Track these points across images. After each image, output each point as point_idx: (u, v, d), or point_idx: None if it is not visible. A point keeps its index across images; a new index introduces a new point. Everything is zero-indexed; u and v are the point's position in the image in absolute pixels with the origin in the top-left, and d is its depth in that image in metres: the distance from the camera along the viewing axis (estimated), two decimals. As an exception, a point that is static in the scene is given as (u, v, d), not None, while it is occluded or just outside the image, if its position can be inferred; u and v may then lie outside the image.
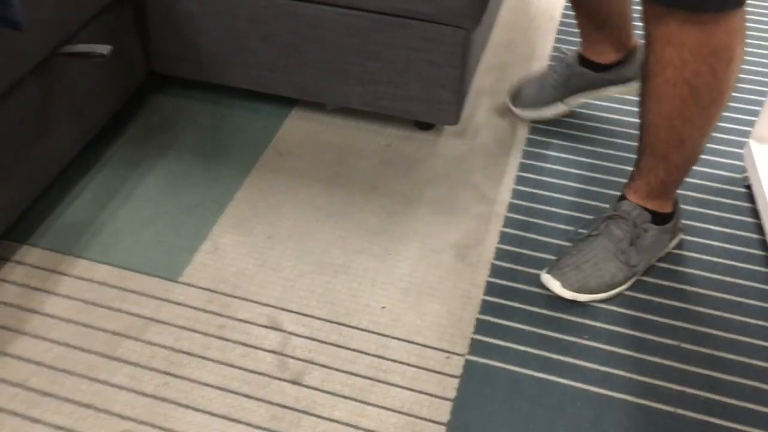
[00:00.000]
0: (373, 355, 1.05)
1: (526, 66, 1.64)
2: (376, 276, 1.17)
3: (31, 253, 1.17)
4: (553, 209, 1.29)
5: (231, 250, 1.19)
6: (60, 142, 1.19)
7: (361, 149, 1.39)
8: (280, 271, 1.17)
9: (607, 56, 1.39)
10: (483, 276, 1.17)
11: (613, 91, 1.45)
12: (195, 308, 1.10)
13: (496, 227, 1.25)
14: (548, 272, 1.14)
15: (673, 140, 1.04)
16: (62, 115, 1.18)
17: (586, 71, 1.41)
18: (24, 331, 1.06)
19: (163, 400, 0.98)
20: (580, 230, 1.20)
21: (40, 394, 0.98)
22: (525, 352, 1.06)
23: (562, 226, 1.26)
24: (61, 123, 1.18)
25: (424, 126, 1.45)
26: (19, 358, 1.03)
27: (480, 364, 1.04)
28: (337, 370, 1.03)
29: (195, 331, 1.07)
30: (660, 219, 1.15)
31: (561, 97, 1.44)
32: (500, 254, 1.20)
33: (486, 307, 1.12)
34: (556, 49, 1.69)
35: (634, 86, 1.39)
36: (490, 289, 1.15)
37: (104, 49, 1.13)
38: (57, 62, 1.13)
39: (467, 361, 1.05)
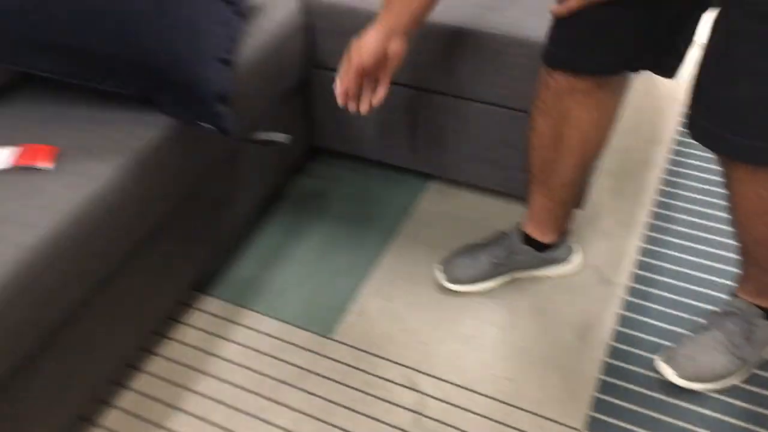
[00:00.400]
0: (500, 422, 1.19)
1: (650, 150, 1.74)
2: (502, 347, 1.31)
3: (211, 303, 1.39)
4: (671, 296, 1.39)
5: (375, 313, 1.37)
6: (237, 209, 1.41)
7: (493, 225, 1.54)
8: (418, 336, 1.33)
9: (550, 236, 1.38)
10: (600, 356, 1.29)
11: (550, 272, 1.44)
12: (345, 364, 1.28)
13: (615, 309, 1.37)
14: (663, 359, 1.23)
15: None
16: (242, 187, 1.40)
17: (528, 249, 1.39)
18: (206, 371, 1.27)
19: (319, 444, 1.17)
20: (697, 320, 1.29)
21: (220, 428, 1.19)
22: (638, 432, 1.17)
23: (679, 314, 1.35)
24: (240, 193, 1.40)
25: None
26: (203, 395, 1.24)
27: (596, 439, 1.17)
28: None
29: (345, 385, 1.25)
30: None
31: (498, 274, 1.41)
32: (618, 336, 1.32)
33: (603, 387, 1.24)
34: (679, 132, 1.78)
35: (568, 267, 1.44)
36: (608, 369, 1.26)
37: (284, 138, 1.34)
38: (242, 146, 1.35)
39: (584, 436, 1.17)
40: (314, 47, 1.47)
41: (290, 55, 1.40)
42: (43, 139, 1.07)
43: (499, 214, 1.57)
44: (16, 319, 0.92)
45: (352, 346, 1.31)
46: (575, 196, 1.33)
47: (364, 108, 1.12)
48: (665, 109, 1.87)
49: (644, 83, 1.96)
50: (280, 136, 1.34)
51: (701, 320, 1.28)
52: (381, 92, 1.11)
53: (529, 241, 1.38)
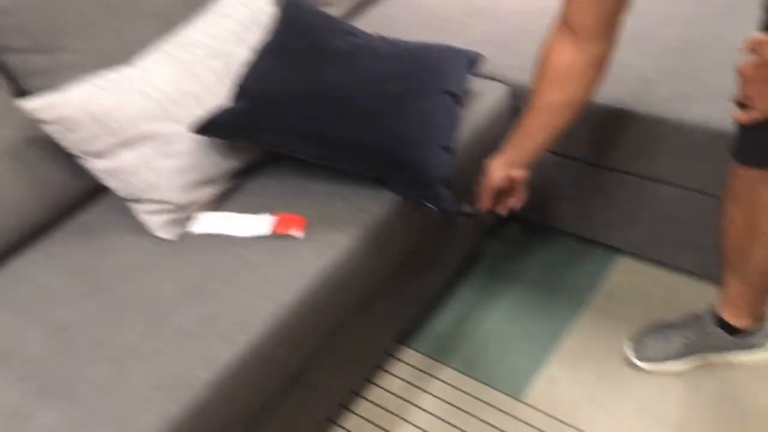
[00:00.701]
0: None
1: None
2: (686, 429, 1.33)
3: (412, 356, 1.54)
4: None
5: (564, 382, 1.45)
6: (441, 270, 1.56)
7: (684, 305, 1.56)
8: (605, 408, 1.39)
9: (745, 320, 1.38)
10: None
11: (744, 358, 1.42)
12: (534, 427, 1.37)
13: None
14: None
15: None
16: (446, 250, 1.55)
17: (721, 332, 1.39)
18: (406, 419, 1.41)
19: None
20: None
21: (418, 473, 1.32)
22: None
23: None
24: (444, 255, 1.55)
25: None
26: (404, 440, 1.38)
27: None
28: None
29: (534, 447, 1.34)
30: None
31: (689, 354, 1.43)
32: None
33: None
34: None
35: (764, 354, 1.41)
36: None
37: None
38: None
39: None
40: (518, 127, 1.60)
41: (500, 136, 1.53)
42: (291, 209, 1.27)
43: (690, 294, 1.59)
44: (273, 362, 1.11)
45: (541, 411, 1.40)
46: None
47: (503, 210, 1.32)
48: None
49: None
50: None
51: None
52: (514, 202, 1.30)
53: (722, 324, 1.39)
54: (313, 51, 1.32)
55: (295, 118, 1.22)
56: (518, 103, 1.55)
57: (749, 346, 1.42)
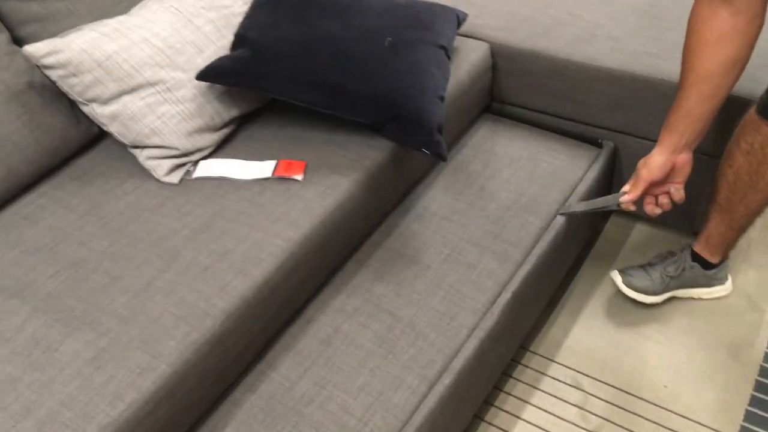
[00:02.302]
0: (657, 423, 1.35)
1: None
2: (659, 359, 1.46)
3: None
4: None
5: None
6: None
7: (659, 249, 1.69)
8: (585, 343, 1.50)
9: (717, 257, 1.51)
10: (753, 374, 1.41)
11: (706, 292, 1.57)
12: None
13: (766, 334, 1.49)
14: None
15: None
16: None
17: (697, 266, 1.52)
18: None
19: None
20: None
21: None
22: (788, 444, 1.29)
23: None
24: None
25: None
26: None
27: (748, 447, 1.30)
28: (627, 429, 1.34)
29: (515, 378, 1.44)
30: None
31: (667, 290, 1.54)
32: (768, 358, 1.44)
33: (755, 402, 1.36)
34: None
35: (723, 288, 1.57)
36: (759, 386, 1.39)
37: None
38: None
39: (737, 443, 1.31)
40: (497, 84, 1.68)
41: (479, 90, 1.62)
42: (291, 155, 1.33)
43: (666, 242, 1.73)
44: (282, 295, 1.17)
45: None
46: (752, 223, 1.44)
47: (652, 210, 1.28)
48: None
49: None
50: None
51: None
52: (679, 193, 1.25)
53: (697, 259, 1.53)
54: (308, 4, 1.36)
55: (295, 65, 1.27)
56: (497, 60, 1.64)
57: (713, 282, 1.56)
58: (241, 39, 1.32)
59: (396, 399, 1.12)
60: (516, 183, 1.49)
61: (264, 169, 1.29)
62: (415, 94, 1.28)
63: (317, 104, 1.28)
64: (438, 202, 1.45)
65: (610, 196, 1.35)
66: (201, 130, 1.31)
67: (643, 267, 1.57)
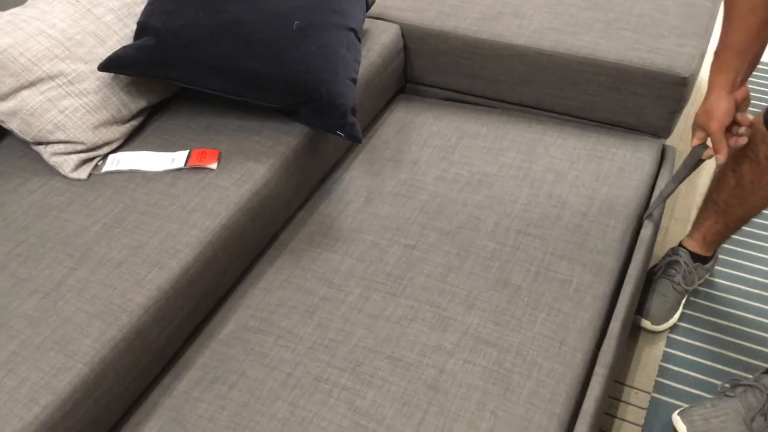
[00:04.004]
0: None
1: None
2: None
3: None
4: (702, 360, 1.46)
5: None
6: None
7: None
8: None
9: (711, 251, 1.53)
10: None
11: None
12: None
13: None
14: (679, 414, 1.30)
15: None
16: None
17: (699, 265, 1.53)
18: None
19: None
20: (724, 385, 1.34)
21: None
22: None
23: (706, 378, 1.43)
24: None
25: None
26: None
27: None
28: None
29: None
30: None
31: (681, 298, 1.53)
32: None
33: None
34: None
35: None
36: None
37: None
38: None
39: None
40: (410, 65, 1.70)
41: (392, 72, 1.63)
42: (204, 144, 1.30)
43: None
44: (203, 285, 1.15)
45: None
46: (747, 222, 1.43)
47: (735, 142, 1.21)
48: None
49: (693, 94, 2.15)
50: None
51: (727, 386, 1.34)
52: (747, 133, 1.20)
53: (695, 257, 1.53)
54: (213, -11, 1.34)
55: (202, 52, 1.25)
56: (408, 41, 1.65)
57: (711, 270, 1.58)
58: (144, 27, 1.29)
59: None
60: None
61: (176, 159, 1.26)
62: (327, 77, 1.27)
63: (227, 91, 1.26)
64: (363, 185, 1.45)
65: (688, 161, 1.28)
66: (108, 123, 1.27)
67: (653, 289, 1.51)
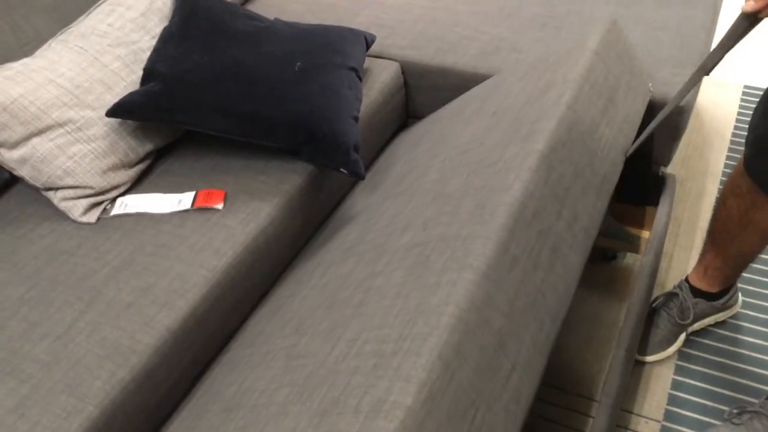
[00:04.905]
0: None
1: (702, 180, 1.95)
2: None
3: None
4: (712, 387, 1.46)
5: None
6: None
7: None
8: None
9: (719, 287, 1.49)
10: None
11: (718, 318, 1.56)
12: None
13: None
14: None
15: None
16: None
17: (702, 301, 1.50)
18: None
19: None
20: (732, 411, 1.35)
21: None
22: None
23: (716, 405, 1.42)
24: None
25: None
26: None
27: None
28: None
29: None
30: None
31: (679, 332, 1.52)
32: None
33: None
34: (727, 166, 1.99)
35: (734, 309, 1.57)
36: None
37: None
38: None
39: None
40: (411, 101, 1.73)
41: (394, 108, 1.66)
42: (210, 185, 1.33)
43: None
44: (211, 325, 1.17)
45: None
46: (750, 262, 1.42)
47: None
48: (713, 145, 2.08)
49: (692, 121, 2.17)
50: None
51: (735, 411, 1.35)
52: None
53: (700, 294, 1.50)
54: (217, 33, 1.38)
55: (206, 95, 1.28)
56: (408, 78, 1.68)
57: (726, 307, 1.54)
58: (150, 73, 1.32)
59: None
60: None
61: (183, 200, 1.29)
62: (329, 116, 1.30)
63: (232, 133, 1.29)
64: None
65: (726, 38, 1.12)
66: (116, 167, 1.30)
67: (649, 316, 1.51)
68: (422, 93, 1.70)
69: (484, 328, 0.85)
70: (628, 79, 1.32)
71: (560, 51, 1.35)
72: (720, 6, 1.80)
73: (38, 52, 1.35)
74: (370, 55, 1.71)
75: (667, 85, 1.47)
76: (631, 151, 1.24)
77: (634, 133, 1.27)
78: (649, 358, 1.50)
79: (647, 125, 1.27)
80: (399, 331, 0.85)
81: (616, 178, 1.19)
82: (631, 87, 1.32)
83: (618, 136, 1.22)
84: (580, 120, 1.15)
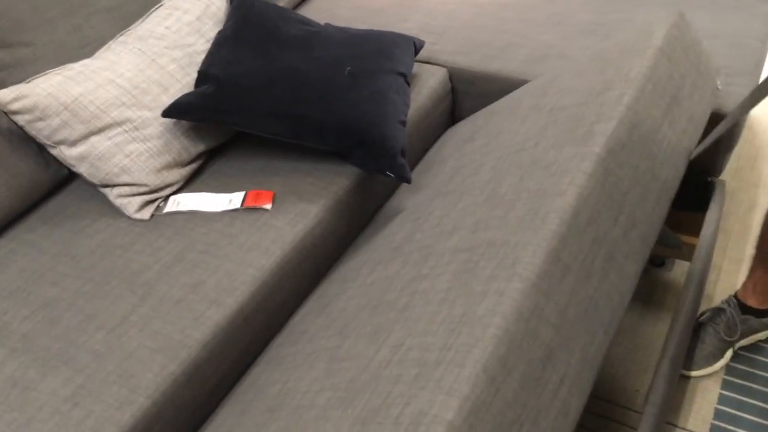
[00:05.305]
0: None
1: (754, 191, 1.91)
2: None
3: None
4: (758, 403, 1.43)
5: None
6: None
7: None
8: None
9: (761, 302, 1.46)
10: (720, 373, 1.45)
11: (766, 335, 1.52)
12: None
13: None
14: None
15: None
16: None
17: (750, 318, 1.47)
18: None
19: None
20: None
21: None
22: None
23: (762, 421, 1.40)
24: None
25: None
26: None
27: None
28: None
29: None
30: None
31: (726, 347, 1.49)
32: None
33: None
34: (781, 176, 1.95)
35: None
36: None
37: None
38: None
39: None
40: (458, 106, 1.73)
41: (441, 113, 1.67)
42: (259, 186, 1.36)
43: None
44: (257, 323, 1.19)
45: None
46: None
47: None
48: (766, 156, 2.03)
49: (745, 132, 2.13)
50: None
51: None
52: None
53: (748, 310, 1.47)
54: (269, 38, 1.41)
55: (258, 98, 1.31)
56: (456, 84, 1.69)
57: None
58: (204, 75, 1.36)
59: None
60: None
61: (233, 200, 1.31)
62: (377, 120, 1.32)
63: (282, 135, 1.32)
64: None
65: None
66: (169, 166, 1.33)
67: (695, 331, 1.50)
68: (470, 99, 1.71)
69: (531, 341, 0.84)
70: (694, 78, 1.29)
71: (623, 46, 1.33)
72: (776, 15, 1.77)
73: (98, 53, 1.39)
74: (418, 61, 1.72)
75: (720, 97, 1.45)
76: (695, 154, 1.21)
77: (699, 135, 1.24)
78: (695, 373, 1.48)
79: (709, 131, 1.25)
80: (443, 340, 0.85)
81: (677, 183, 1.16)
82: (698, 86, 1.30)
83: (681, 138, 1.20)
84: (641, 121, 1.13)
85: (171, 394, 1.03)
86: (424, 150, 1.65)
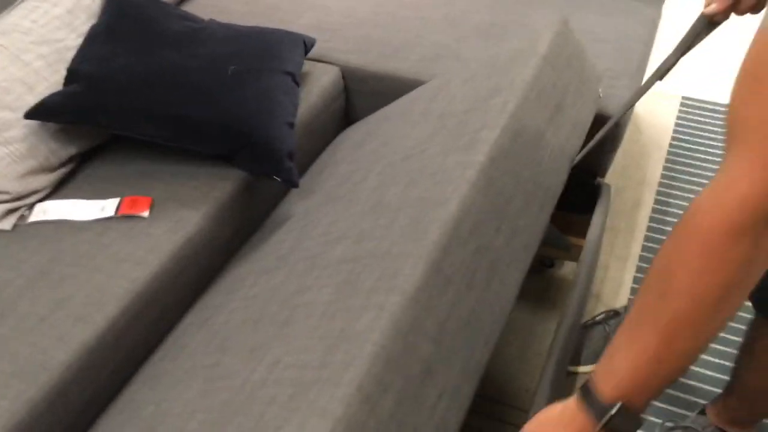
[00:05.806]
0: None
1: (639, 189, 1.97)
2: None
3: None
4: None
5: None
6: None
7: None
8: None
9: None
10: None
11: None
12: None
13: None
14: None
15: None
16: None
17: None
18: None
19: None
20: (665, 424, 1.33)
21: None
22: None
23: (647, 417, 1.42)
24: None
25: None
26: None
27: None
28: None
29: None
30: None
31: None
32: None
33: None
34: (664, 176, 2.02)
35: None
36: None
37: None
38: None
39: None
40: (352, 107, 1.70)
41: (333, 113, 1.63)
42: (137, 191, 1.28)
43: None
44: (131, 339, 1.12)
45: None
46: None
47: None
48: (651, 155, 2.11)
49: (629, 130, 2.20)
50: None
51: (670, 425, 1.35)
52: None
53: None
54: (147, 34, 1.33)
55: (134, 98, 1.23)
56: (349, 83, 1.65)
57: None
58: (74, 73, 1.27)
59: None
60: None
61: (106, 207, 1.23)
62: (263, 122, 1.26)
63: (161, 137, 1.24)
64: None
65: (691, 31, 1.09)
66: (34, 172, 1.23)
67: (586, 329, 1.49)
68: (363, 98, 1.68)
69: (410, 356, 0.82)
70: (577, 85, 1.31)
71: (510, 53, 1.33)
72: (659, 21, 1.82)
73: (-46, 47, 1.27)
74: (310, 59, 1.67)
75: (604, 99, 1.48)
76: (577, 160, 1.23)
77: (582, 141, 1.26)
78: (582, 369, 1.50)
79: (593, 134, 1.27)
80: (321, 358, 0.82)
81: (560, 189, 1.18)
82: (581, 93, 1.31)
83: (565, 145, 1.21)
84: (524, 129, 1.13)
85: (28, 422, 0.95)
86: (317, 152, 1.61)
